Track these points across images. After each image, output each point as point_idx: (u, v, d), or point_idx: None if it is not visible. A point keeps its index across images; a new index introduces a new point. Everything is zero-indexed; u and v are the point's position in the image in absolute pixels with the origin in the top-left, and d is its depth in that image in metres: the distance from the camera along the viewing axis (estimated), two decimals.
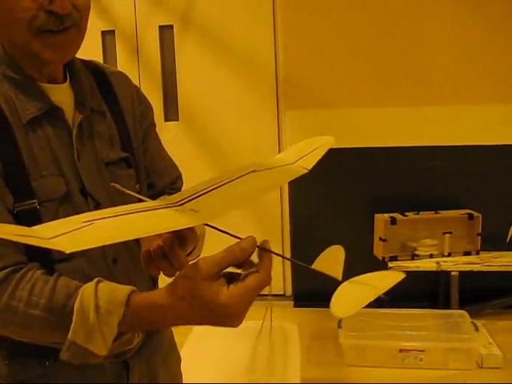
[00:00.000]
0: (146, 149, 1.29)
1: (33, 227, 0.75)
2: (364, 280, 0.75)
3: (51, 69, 1.11)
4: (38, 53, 1.04)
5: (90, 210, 1.08)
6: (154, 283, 1.26)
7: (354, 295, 0.73)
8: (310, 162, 0.95)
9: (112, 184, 0.97)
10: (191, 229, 1.00)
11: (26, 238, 0.71)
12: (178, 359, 1.40)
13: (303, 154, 0.96)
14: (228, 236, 0.78)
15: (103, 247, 1.10)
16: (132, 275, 1.17)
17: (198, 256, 1.21)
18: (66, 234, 0.70)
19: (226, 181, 0.84)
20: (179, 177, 1.40)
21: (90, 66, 1.24)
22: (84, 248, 0.70)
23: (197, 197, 0.80)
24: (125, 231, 0.73)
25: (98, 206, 1.10)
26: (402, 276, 0.77)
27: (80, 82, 1.16)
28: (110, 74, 1.26)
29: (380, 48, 3.65)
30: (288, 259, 0.81)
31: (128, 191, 1.00)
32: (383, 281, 0.76)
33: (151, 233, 0.76)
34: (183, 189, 1.38)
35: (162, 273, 1.00)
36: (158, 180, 1.32)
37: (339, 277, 0.74)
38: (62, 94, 1.13)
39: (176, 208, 0.78)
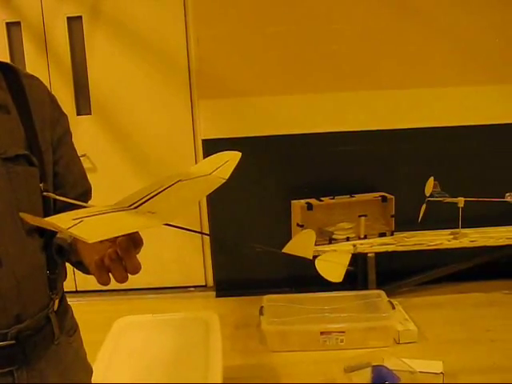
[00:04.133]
0: (61, 157, 1.25)
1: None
2: (328, 257, 0.83)
3: None
4: None
5: None
6: (51, 289, 1.20)
7: (331, 267, 0.81)
8: (225, 173, 0.99)
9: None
10: (139, 235, 0.98)
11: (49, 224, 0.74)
12: (87, 371, 1.36)
13: (216, 166, 1.00)
14: None
15: None
16: (21, 280, 1.11)
17: None
18: (75, 226, 0.73)
19: (161, 189, 0.86)
20: (90, 189, 1.36)
21: (1, 64, 1.20)
22: (103, 238, 0.72)
23: (145, 201, 0.82)
24: (115, 228, 0.76)
25: None
26: (351, 252, 0.86)
27: None
28: (23, 76, 1.22)
29: (290, 37, 3.69)
30: (255, 246, 0.85)
31: (62, 198, 0.97)
32: (340, 257, 0.84)
33: (133, 230, 0.79)
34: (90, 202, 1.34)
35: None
36: (70, 189, 1.27)
37: (310, 256, 0.80)
38: None
39: (134, 211, 0.79)
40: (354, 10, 3.68)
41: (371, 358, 2.83)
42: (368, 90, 3.76)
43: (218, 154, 1.05)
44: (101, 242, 0.91)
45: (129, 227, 0.77)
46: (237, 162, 1.03)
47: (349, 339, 3.03)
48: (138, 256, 0.93)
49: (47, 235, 1.17)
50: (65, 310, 1.27)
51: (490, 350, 2.96)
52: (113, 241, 0.91)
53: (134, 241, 0.91)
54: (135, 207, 0.80)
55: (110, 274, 0.93)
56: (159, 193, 0.84)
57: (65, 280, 1.28)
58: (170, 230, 0.80)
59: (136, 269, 0.91)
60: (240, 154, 1.05)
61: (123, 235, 0.89)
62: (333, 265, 0.81)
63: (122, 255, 0.90)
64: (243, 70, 3.74)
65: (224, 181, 0.97)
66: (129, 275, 0.90)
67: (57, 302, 1.22)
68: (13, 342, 1.10)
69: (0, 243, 1.08)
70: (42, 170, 1.17)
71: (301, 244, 0.81)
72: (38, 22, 3.84)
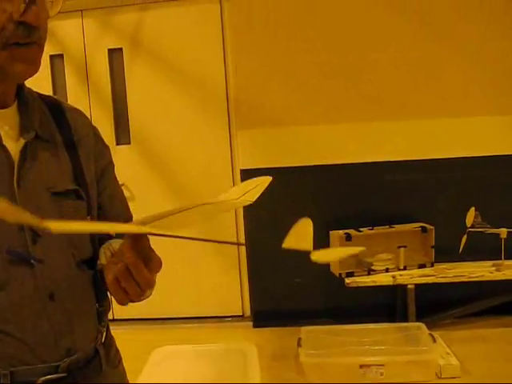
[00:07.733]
0: (104, 188, 1.26)
1: None
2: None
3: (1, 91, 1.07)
4: (5, 66, 1.01)
5: (26, 242, 1.04)
6: (100, 321, 1.20)
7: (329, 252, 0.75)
8: (252, 196, 0.99)
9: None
10: (155, 254, 0.97)
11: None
12: None
13: (245, 191, 1.00)
14: None
15: (36, 280, 1.05)
16: (72, 314, 1.12)
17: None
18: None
19: (179, 210, 0.87)
20: (131, 219, 1.36)
21: (46, 98, 1.21)
22: (68, 231, 0.76)
23: (155, 220, 0.83)
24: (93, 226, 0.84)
25: (36, 238, 1.05)
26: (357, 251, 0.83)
27: (27, 107, 1.13)
28: (67, 109, 1.23)
29: (329, 65, 3.70)
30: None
31: None
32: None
33: (112, 230, 0.87)
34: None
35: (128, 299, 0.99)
36: (113, 221, 1.28)
37: (310, 248, 0.75)
38: (5, 119, 1.09)
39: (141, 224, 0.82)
40: (392, 39, 3.67)
41: None
42: (408, 119, 3.73)
43: (249, 180, 1.04)
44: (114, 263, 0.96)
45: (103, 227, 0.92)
46: (266, 185, 1.02)
47: (389, 372, 2.96)
48: (156, 275, 0.96)
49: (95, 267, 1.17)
50: (110, 342, 1.28)
51: None
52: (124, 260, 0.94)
53: (144, 257, 0.93)
54: (143, 223, 0.81)
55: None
56: (176, 213, 0.85)
57: (109, 311, 1.28)
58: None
59: (148, 282, 0.93)
60: (270, 178, 1.03)
61: (131, 253, 0.92)
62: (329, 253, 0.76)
63: (131, 270, 0.92)
64: (282, 99, 3.74)
65: (250, 202, 0.97)
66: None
67: (104, 334, 1.22)
68: (64, 374, 1.10)
69: (52, 277, 1.08)
70: (88, 202, 1.18)
71: (298, 236, 0.78)
72: (80, 54, 3.93)
